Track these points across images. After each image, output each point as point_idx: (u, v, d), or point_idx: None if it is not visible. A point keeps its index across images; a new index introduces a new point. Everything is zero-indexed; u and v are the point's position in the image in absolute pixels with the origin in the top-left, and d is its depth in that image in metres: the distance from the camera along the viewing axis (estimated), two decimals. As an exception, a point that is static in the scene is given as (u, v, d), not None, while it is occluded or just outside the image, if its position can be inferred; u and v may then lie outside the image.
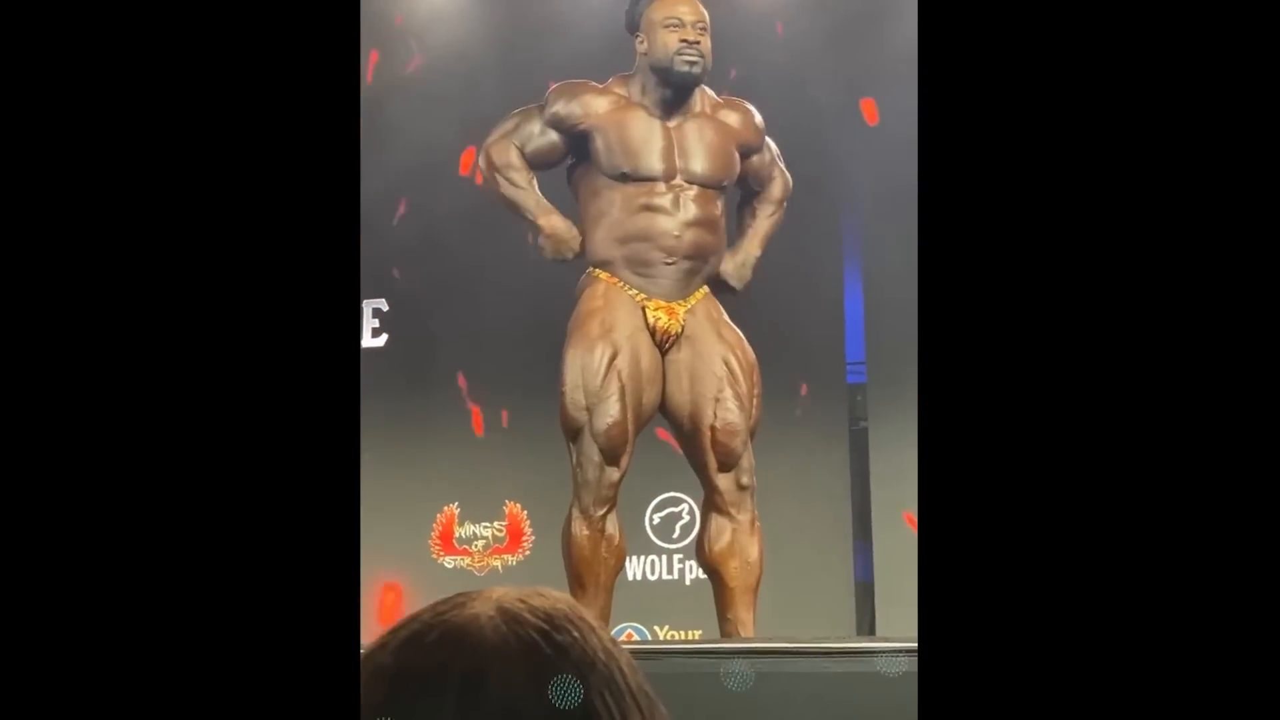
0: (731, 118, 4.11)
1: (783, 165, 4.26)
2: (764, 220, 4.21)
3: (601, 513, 3.89)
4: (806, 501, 6.68)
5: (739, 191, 4.24)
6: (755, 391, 3.97)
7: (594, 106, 4.02)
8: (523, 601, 0.95)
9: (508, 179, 4.05)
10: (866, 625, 6.65)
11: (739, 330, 4.05)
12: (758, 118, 4.17)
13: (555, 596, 0.97)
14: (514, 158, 4.02)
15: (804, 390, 6.85)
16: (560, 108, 4.03)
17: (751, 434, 3.96)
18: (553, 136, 4.05)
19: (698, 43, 3.92)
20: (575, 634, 0.94)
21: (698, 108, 4.05)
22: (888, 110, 6.83)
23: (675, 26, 3.94)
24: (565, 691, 0.90)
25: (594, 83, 4.11)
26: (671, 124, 4.01)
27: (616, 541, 3.92)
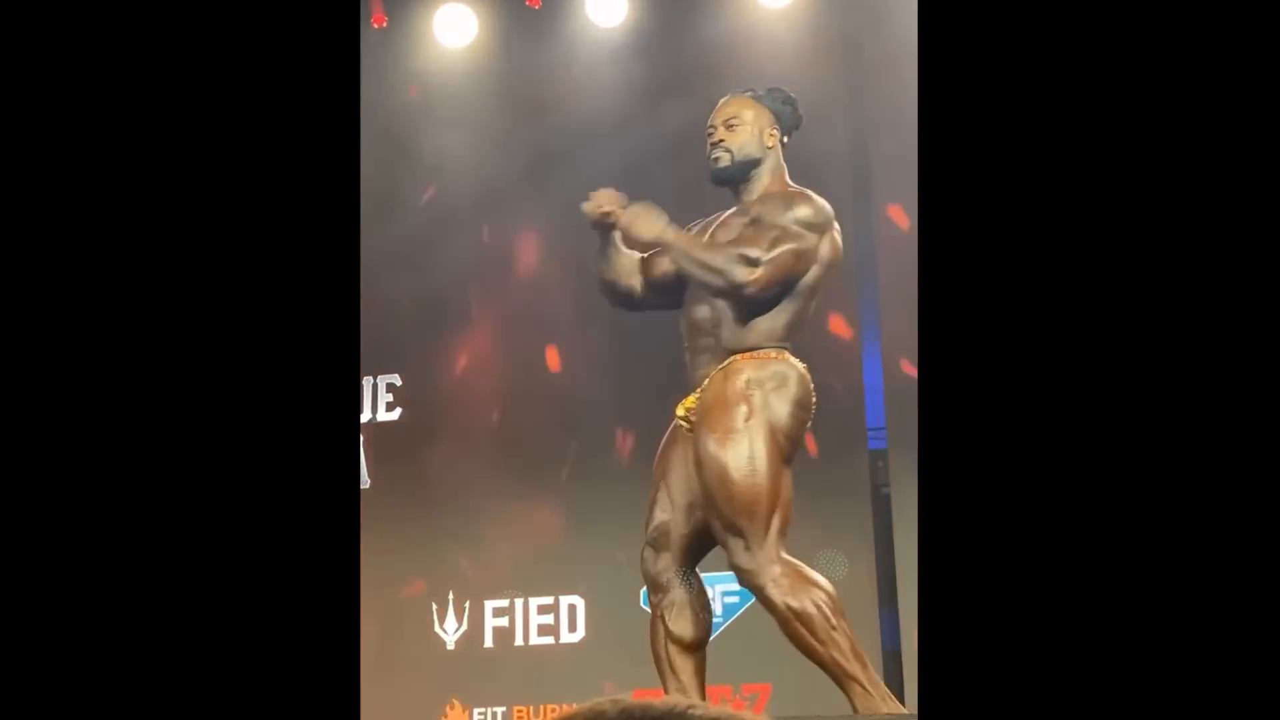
0: (761, 207, 4.02)
1: (772, 254, 3.93)
2: (710, 240, 4.01)
3: (656, 599, 4.08)
4: (830, 570, 6.64)
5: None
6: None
7: None
8: None
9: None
10: (896, 694, 6.57)
11: (735, 398, 3.96)
12: (790, 210, 3.97)
13: None
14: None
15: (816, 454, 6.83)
16: None
17: (745, 509, 3.91)
18: None
19: (721, 140, 4.06)
20: None
21: (752, 196, 4.07)
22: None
23: (710, 133, 4.13)
24: None
25: None
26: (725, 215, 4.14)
27: (674, 628, 4.04)
